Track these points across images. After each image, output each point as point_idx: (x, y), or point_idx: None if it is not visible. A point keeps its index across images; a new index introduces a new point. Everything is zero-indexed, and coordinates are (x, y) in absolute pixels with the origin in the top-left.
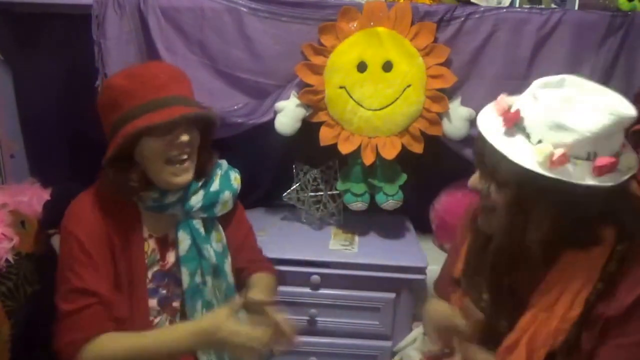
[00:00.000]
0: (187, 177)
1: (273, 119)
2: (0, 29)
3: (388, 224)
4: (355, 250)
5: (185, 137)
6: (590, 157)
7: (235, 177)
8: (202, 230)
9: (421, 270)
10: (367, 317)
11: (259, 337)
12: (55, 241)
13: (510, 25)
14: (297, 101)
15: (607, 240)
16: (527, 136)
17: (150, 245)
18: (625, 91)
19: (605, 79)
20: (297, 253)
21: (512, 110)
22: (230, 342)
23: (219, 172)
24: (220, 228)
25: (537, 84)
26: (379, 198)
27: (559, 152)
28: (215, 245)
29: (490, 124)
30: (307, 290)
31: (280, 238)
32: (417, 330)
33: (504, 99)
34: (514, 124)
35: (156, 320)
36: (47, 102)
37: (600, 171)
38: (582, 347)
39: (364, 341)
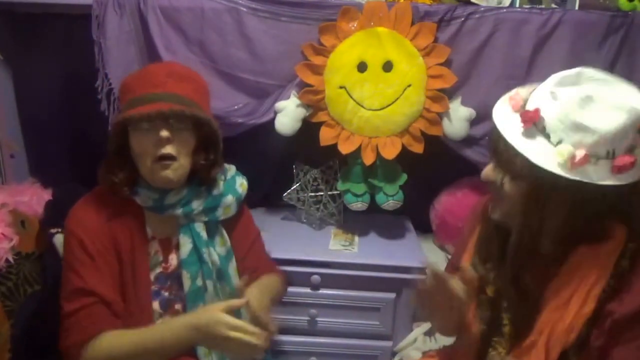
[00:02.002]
0: (173, 174)
1: (273, 119)
2: (0, 29)
3: (388, 224)
4: (355, 251)
5: (164, 133)
6: (609, 155)
7: (241, 183)
8: (203, 234)
9: (421, 271)
10: (367, 317)
11: (257, 333)
12: (58, 240)
13: (510, 25)
14: (297, 101)
15: (618, 236)
16: (547, 136)
17: (154, 246)
18: None
19: None
20: (297, 253)
21: (529, 107)
22: (227, 336)
23: (223, 177)
24: (224, 232)
25: (553, 80)
26: (379, 198)
27: (580, 153)
28: (219, 249)
29: (507, 120)
30: (307, 290)
31: (280, 238)
32: (418, 330)
33: (518, 94)
34: (533, 123)
35: (158, 323)
36: (47, 102)
37: (620, 170)
38: (591, 343)
39: (364, 341)
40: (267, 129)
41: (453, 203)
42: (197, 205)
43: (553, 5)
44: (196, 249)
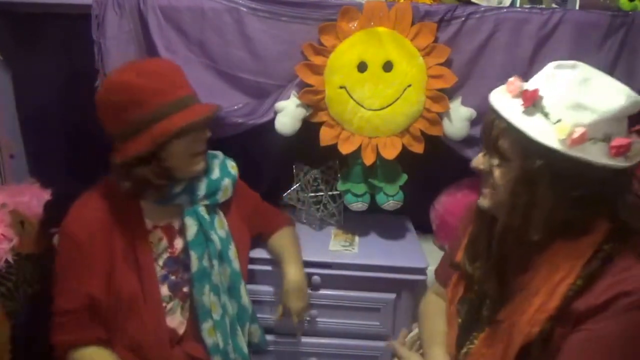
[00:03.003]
0: (205, 165)
1: (273, 119)
2: None
3: (388, 225)
4: (355, 251)
5: (209, 133)
6: (606, 138)
7: (232, 166)
8: (207, 216)
9: (421, 271)
10: (367, 318)
11: None
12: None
13: (510, 25)
14: (297, 101)
15: (597, 233)
16: (546, 115)
17: (157, 235)
18: None
19: None
20: None
21: (528, 88)
22: None
23: (217, 161)
24: (222, 215)
25: (551, 65)
26: (380, 198)
27: (579, 130)
28: (219, 232)
29: (505, 103)
30: (307, 290)
31: None
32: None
33: (516, 81)
34: (533, 102)
35: (169, 306)
36: (47, 102)
37: (617, 151)
38: (554, 342)
39: (365, 342)
40: (267, 129)
41: (453, 203)
42: (199, 190)
43: (553, 5)
44: (202, 230)
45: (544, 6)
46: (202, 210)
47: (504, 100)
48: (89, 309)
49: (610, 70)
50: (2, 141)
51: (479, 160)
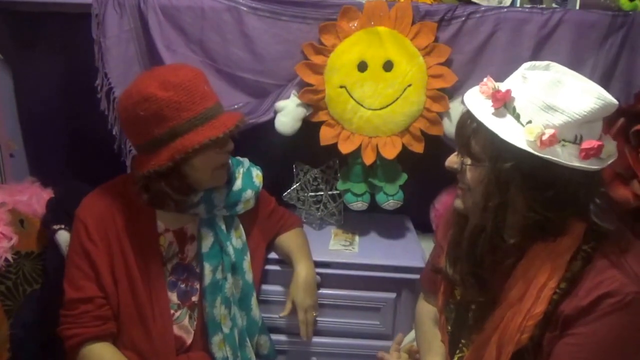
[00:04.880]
0: (227, 177)
1: (273, 119)
2: None
3: (388, 224)
4: (355, 250)
5: (232, 145)
6: (577, 140)
7: (257, 175)
8: (224, 227)
9: (421, 270)
10: (367, 317)
11: None
12: (60, 237)
13: (511, 24)
14: (298, 101)
15: (575, 234)
16: (517, 117)
17: (167, 238)
18: (626, 91)
19: (606, 79)
20: None
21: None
22: None
23: (241, 170)
24: (240, 226)
25: (524, 66)
26: (380, 198)
27: (549, 132)
28: (235, 242)
29: (478, 104)
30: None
31: None
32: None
33: (490, 81)
34: (503, 103)
35: (177, 314)
36: (47, 101)
37: (587, 154)
38: (544, 347)
39: (365, 341)
40: (267, 129)
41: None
42: (219, 201)
43: (554, 5)
44: (217, 241)
45: (544, 6)
46: (219, 221)
47: (477, 101)
48: (99, 300)
49: (610, 70)
50: (2, 140)
51: (452, 160)
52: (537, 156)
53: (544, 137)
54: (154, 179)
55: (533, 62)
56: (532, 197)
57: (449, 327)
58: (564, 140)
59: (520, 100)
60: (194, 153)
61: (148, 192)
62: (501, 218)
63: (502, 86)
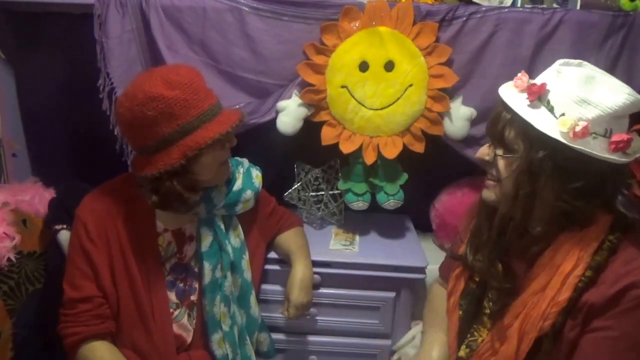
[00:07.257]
0: (230, 171)
1: (275, 119)
2: (1, 28)
3: (389, 224)
4: (356, 250)
5: (235, 140)
6: (607, 133)
7: (256, 175)
8: (222, 226)
9: (421, 270)
10: (367, 316)
11: None
12: (62, 237)
13: (511, 24)
14: (299, 100)
15: (602, 225)
16: (551, 109)
17: (166, 238)
18: None
19: None
20: None
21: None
22: None
23: (241, 170)
24: (239, 225)
25: (558, 62)
26: (380, 197)
27: (582, 124)
28: (233, 241)
29: (513, 97)
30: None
31: None
32: (416, 329)
33: (523, 76)
34: (538, 96)
35: (175, 313)
36: (49, 101)
37: (617, 146)
38: (565, 334)
39: (364, 340)
40: (268, 129)
41: (453, 203)
42: (218, 200)
43: (554, 5)
44: (216, 240)
45: (545, 6)
46: (218, 220)
47: (512, 93)
48: (98, 299)
49: (611, 70)
50: (4, 140)
51: (483, 151)
52: (569, 147)
53: (577, 129)
54: (164, 179)
55: (566, 59)
56: (561, 186)
57: (461, 312)
58: (595, 133)
59: (554, 94)
60: (206, 149)
61: (157, 194)
62: (530, 207)
63: (536, 80)
